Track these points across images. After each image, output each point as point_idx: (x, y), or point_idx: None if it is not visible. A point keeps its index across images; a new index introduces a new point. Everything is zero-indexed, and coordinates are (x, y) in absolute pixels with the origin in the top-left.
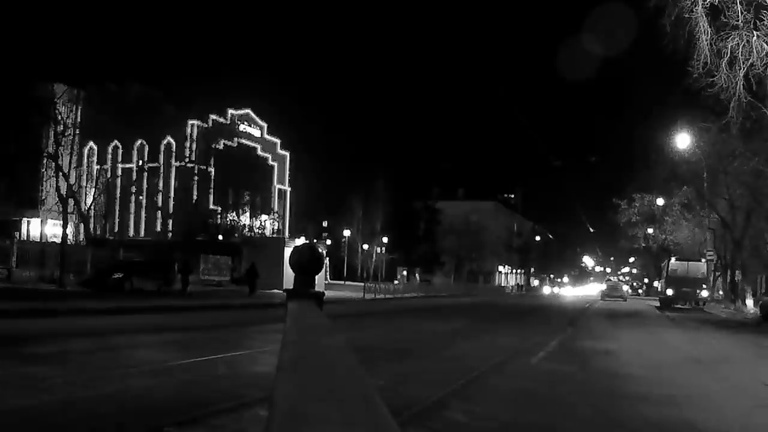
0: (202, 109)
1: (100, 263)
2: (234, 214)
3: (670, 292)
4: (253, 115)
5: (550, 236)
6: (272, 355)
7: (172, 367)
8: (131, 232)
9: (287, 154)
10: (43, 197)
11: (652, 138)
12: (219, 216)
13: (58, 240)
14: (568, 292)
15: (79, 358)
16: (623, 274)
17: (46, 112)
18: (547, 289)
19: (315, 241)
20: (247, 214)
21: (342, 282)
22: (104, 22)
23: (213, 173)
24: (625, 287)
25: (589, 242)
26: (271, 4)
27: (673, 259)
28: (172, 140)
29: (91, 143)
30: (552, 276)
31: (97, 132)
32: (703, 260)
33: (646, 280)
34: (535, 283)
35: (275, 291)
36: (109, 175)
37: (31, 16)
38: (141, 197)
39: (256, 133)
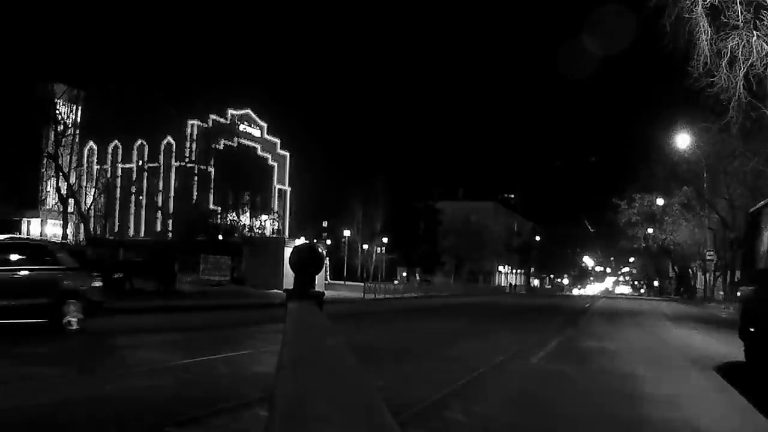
0: (202, 109)
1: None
2: (234, 214)
3: None
4: (253, 115)
5: (550, 236)
6: (272, 355)
7: (172, 367)
8: (131, 232)
9: (287, 154)
10: (43, 197)
11: (652, 138)
12: (219, 216)
13: (58, 240)
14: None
15: (78, 358)
16: (623, 274)
17: (46, 112)
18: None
19: (315, 241)
20: (247, 214)
21: (342, 282)
22: (104, 23)
23: (213, 173)
24: (627, 287)
25: (589, 242)
26: (271, 4)
27: None
28: (172, 140)
29: (91, 143)
30: (552, 276)
31: (97, 132)
32: None
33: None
34: (535, 282)
35: (275, 291)
36: (109, 175)
37: (31, 17)
38: (141, 197)
39: (256, 133)
